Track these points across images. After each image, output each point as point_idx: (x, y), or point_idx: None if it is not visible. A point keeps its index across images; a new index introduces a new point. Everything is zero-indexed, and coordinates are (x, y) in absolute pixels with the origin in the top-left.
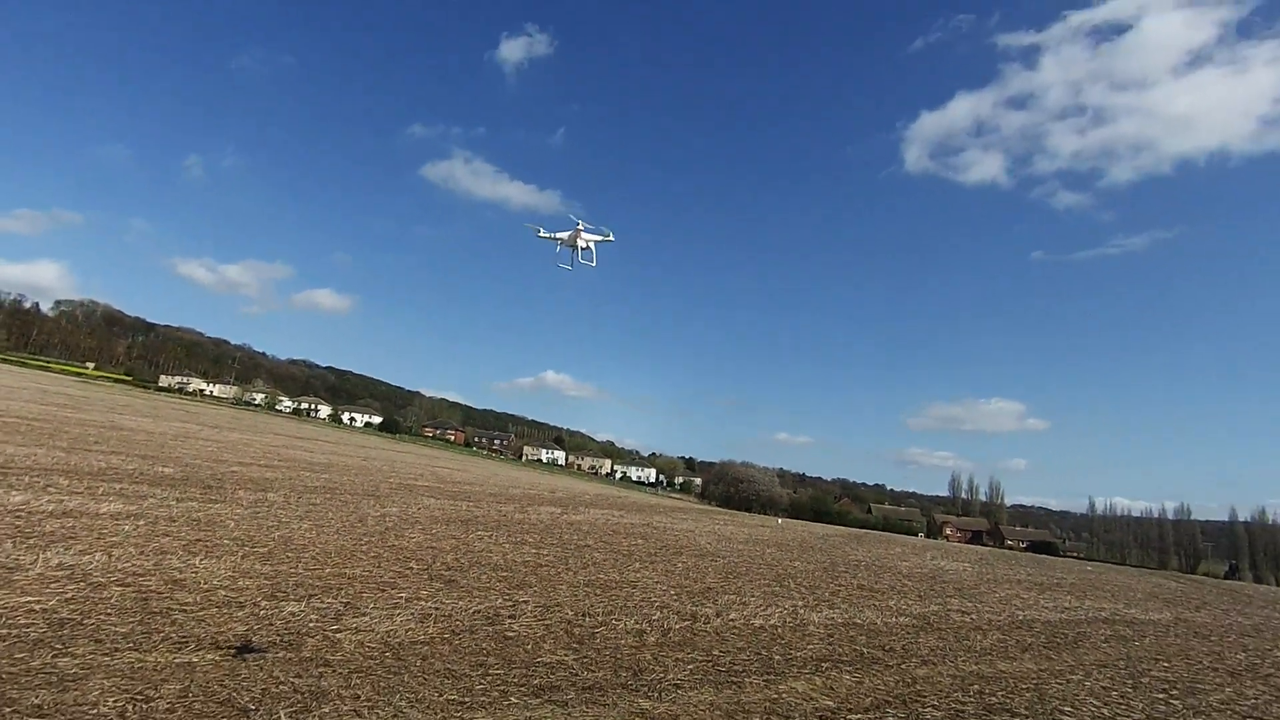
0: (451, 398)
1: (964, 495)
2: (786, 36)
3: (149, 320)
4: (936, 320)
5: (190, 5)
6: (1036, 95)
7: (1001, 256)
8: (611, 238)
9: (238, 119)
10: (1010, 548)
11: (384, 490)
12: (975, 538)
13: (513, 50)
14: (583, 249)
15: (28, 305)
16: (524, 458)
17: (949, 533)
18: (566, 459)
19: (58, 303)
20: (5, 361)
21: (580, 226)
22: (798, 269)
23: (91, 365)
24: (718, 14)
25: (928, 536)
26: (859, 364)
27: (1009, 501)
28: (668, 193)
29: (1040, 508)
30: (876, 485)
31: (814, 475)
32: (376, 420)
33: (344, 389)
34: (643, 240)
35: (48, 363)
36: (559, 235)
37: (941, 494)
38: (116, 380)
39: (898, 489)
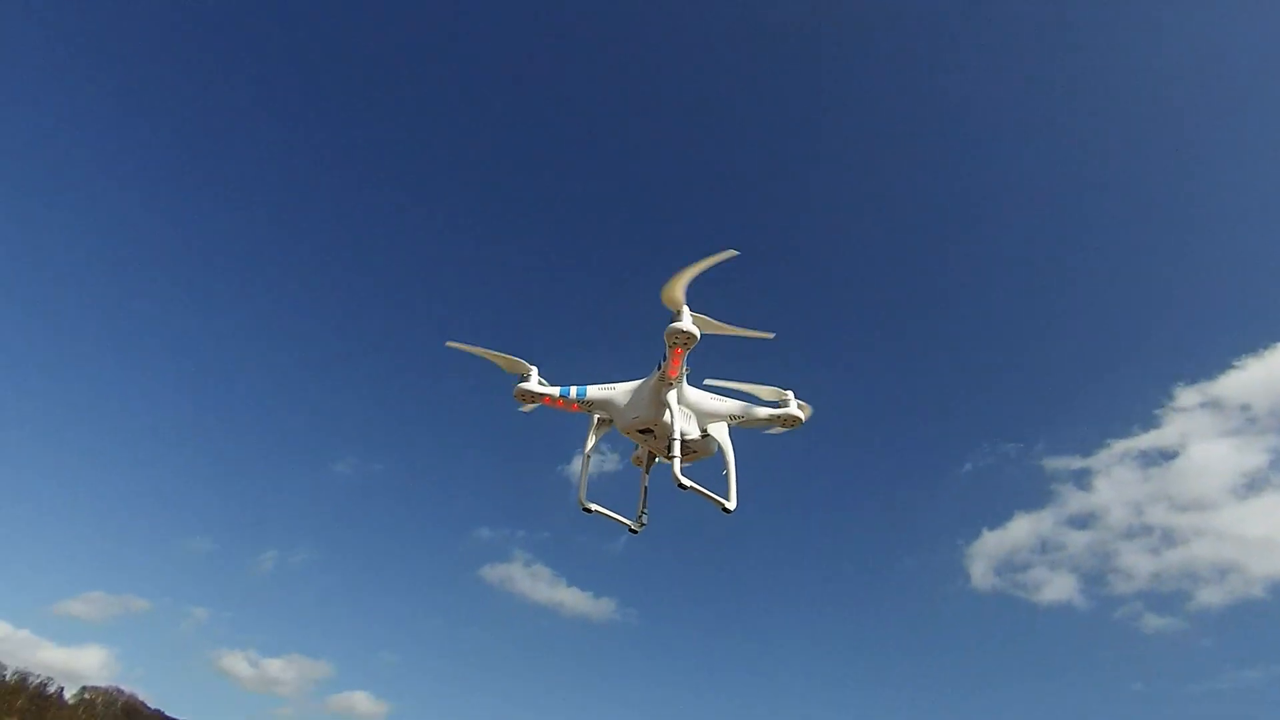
0: None
1: None
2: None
3: (169, 715)
4: None
5: (297, 413)
6: (1097, 515)
7: (1097, 687)
8: (798, 413)
9: (322, 519)
10: None
11: None
12: None
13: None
14: (685, 441)
15: (51, 691)
16: None
17: None
18: None
19: (83, 689)
20: None
21: (682, 325)
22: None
23: None
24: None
25: None
26: None
27: None
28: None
29: None
30: None
31: None
32: None
33: None
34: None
35: None
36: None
37: None
38: None
39: None
